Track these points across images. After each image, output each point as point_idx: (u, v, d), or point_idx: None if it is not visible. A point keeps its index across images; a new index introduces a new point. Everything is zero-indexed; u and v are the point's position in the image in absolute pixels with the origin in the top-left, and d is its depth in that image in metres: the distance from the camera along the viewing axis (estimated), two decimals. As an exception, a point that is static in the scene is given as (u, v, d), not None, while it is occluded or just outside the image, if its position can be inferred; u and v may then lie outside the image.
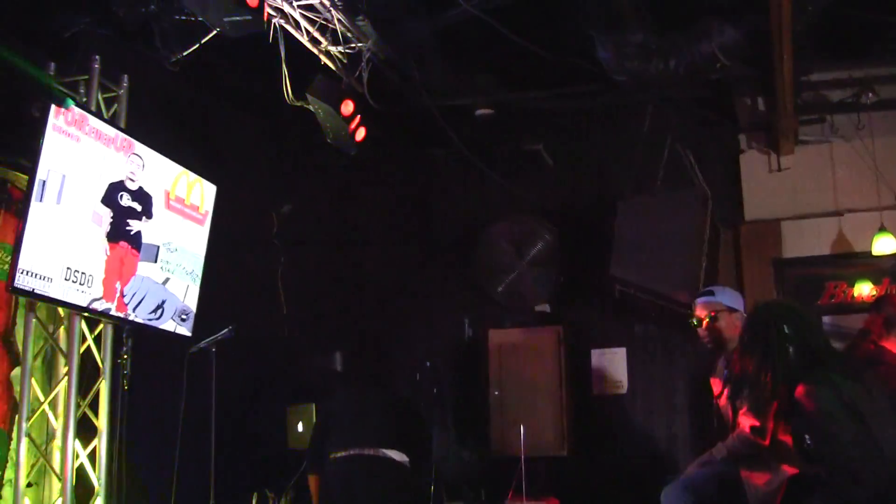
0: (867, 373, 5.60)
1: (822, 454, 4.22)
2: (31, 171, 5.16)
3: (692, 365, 7.86)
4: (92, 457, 5.90)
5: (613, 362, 8.14)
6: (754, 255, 7.97)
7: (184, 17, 6.23)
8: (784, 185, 7.99)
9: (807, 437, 4.29)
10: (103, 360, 6.02)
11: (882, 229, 7.42)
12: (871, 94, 7.49)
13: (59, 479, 5.55)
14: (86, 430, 5.86)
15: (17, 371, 5.68)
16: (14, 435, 5.60)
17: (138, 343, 6.02)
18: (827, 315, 7.69)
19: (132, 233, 5.95)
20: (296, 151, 8.57)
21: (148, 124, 6.39)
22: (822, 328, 4.92)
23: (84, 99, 5.84)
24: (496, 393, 8.09)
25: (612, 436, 7.96)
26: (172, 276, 6.32)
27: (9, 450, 5.57)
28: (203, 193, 6.67)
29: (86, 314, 5.73)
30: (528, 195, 8.17)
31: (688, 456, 7.56)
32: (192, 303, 6.53)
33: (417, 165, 8.62)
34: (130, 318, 5.95)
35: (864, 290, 7.69)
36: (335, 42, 6.51)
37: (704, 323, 5.63)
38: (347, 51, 6.60)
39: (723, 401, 5.75)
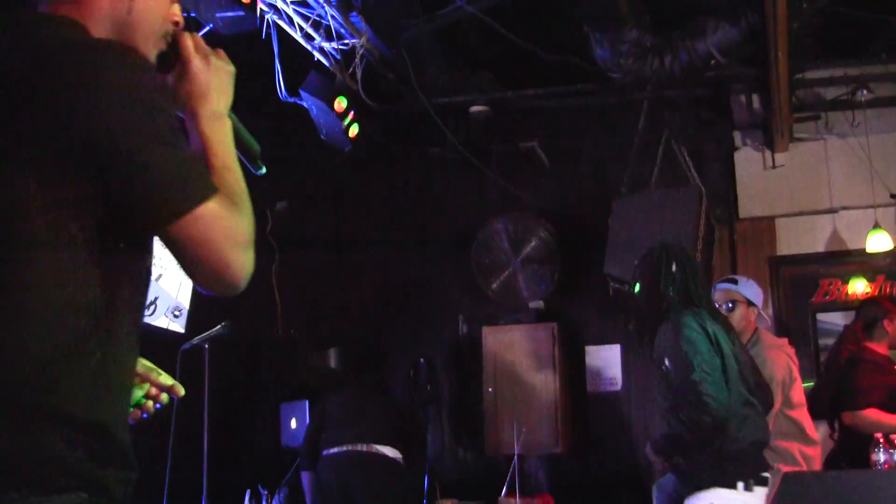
0: (852, 372, 5.64)
1: (678, 378, 4.32)
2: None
3: (687, 363, 7.86)
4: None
5: (608, 359, 8.14)
6: (749, 252, 7.97)
7: (177, 14, 6.22)
8: (779, 183, 7.99)
9: (666, 360, 4.39)
10: (96, 357, 6.01)
11: (876, 227, 7.42)
12: (865, 92, 7.49)
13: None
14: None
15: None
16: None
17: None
18: (821, 312, 7.70)
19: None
20: (290, 149, 8.55)
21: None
22: (706, 282, 5.04)
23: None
24: (490, 390, 8.08)
25: (607, 433, 7.96)
26: (165, 273, 6.32)
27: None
28: (197, 190, 6.65)
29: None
30: (524, 193, 8.16)
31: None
32: (185, 299, 6.53)
33: (413, 163, 8.61)
34: (123, 314, 5.93)
35: (859, 287, 7.69)
36: (329, 38, 6.50)
37: (723, 309, 5.66)
38: (341, 47, 6.59)
39: None
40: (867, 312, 6.31)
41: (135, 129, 1.76)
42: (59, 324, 1.73)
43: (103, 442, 1.76)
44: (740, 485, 4.22)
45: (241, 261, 1.94)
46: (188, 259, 1.89)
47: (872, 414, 5.84)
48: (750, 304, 5.69)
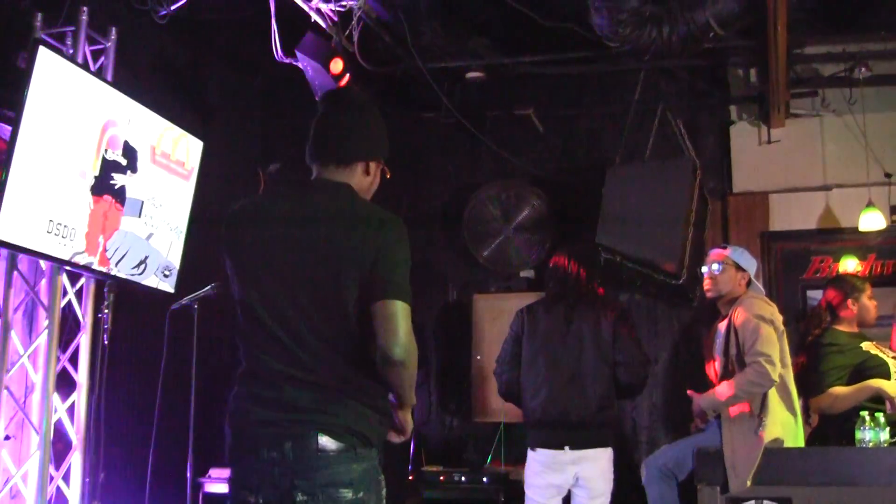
0: (813, 356, 5.69)
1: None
2: (15, 123, 5.10)
3: (676, 335, 7.88)
4: (70, 411, 5.89)
5: (597, 330, 8.13)
6: (742, 226, 7.97)
7: (174, -30, 6.17)
8: (774, 158, 7.98)
9: None
10: (84, 314, 5.99)
11: (870, 205, 7.43)
12: (864, 69, 7.47)
13: (37, 433, 5.53)
14: (65, 385, 5.84)
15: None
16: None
17: (120, 298, 5.99)
18: (812, 289, 7.70)
19: (116, 187, 5.90)
20: (285, 110, 8.51)
21: (135, 78, 6.33)
22: None
23: (71, 51, 5.78)
24: (479, 357, 8.09)
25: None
26: (156, 232, 6.29)
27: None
28: (189, 149, 6.62)
29: (68, 268, 5.69)
30: (518, 160, 8.14)
31: (668, 426, 7.59)
32: (175, 259, 6.49)
33: (407, 127, 8.56)
34: (112, 272, 5.91)
35: (850, 265, 7.70)
36: (326, -1, 6.46)
37: (709, 271, 5.74)
38: (338, 9, 6.54)
39: (709, 370, 5.79)
40: (831, 293, 6.31)
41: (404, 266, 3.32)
42: (368, 358, 3.18)
43: (386, 422, 3.32)
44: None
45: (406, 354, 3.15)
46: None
47: (831, 393, 5.86)
48: (739, 268, 5.73)
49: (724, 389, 5.36)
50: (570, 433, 5.68)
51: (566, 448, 5.67)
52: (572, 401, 5.71)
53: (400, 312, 3.13)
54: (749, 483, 5.14)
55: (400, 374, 3.15)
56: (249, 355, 3.33)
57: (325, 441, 3.09)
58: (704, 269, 5.89)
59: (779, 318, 5.54)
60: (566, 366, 5.78)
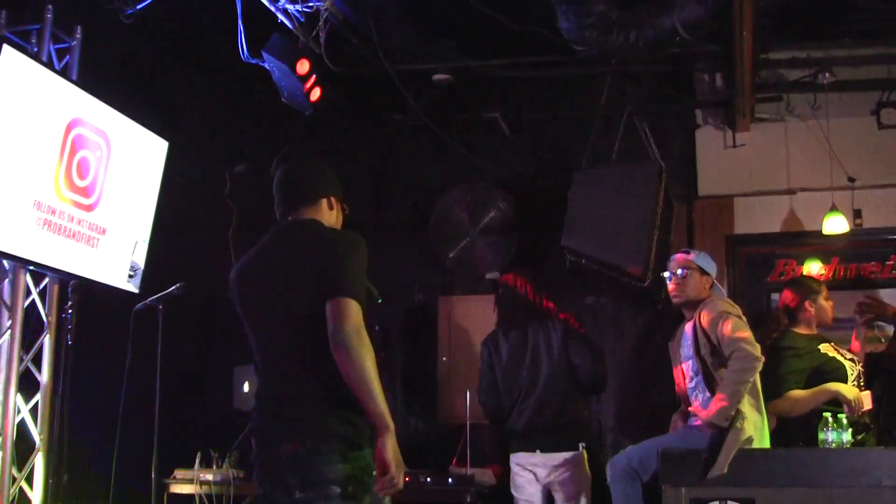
0: (772, 360, 5.71)
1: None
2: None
3: (641, 337, 7.91)
4: (34, 412, 5.84)
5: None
6: (707, 230, 8.02)
7: (140, -31, 6.14)
8: (739, 162, 8.03)
9: None
10: (48, 314, 5.96)
11: (833, 209, 7.48)
12: (828, 75, 7.52)
13: (0, 434, 5.49)
14: (28, 385, 5.80)
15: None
16: (-46, 387, 5.56)
17: (84, 298, 5.96)
18: (776, 292, 7.74)
19: (81, 185, 5.87)
20: (251, 111, 8.48)
21: (100, 77, 6.30)
22: None
23: (36, 49, 5.75)
24: (444, 359, 8.10)
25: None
26: (119, 232, 6.26)
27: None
28: (154, 150, 6.59)
29: (31, 267, 5.66)
30: (485, 163, 8.14)
31: (633, 427, 7.61)
32: (140, 259, 6.46)
33: (374, 130, 8.56)
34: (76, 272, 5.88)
35: (814, 268, 7.77)
36: (293, 0, 6.43)
37: (674, 277, 5.77)
38: (305, 10, 6.52)
39: (678, 374, 5.82)
40: (788, 295, 6.34)
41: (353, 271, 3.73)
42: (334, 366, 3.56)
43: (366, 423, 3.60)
44: None
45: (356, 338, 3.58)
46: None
47: (789, 397, 5.89)
48: (703, 272, 5.78)
49: (722, 393, 5.33)
50: (539, 439, 6.33)
51: (537, 451, 6.32)
52: (537, 410, 6.35)
53: (349, 306, 3.56)
54: (725, 470, 5.17)
55: (349, 358, 3.51)
56: (259, 382, 3.93)
57: (317, 445, 3.57)
58: (667, 273, 5.92)
59: (743, 318, 5.59)
60: (529, 381, 6.40)
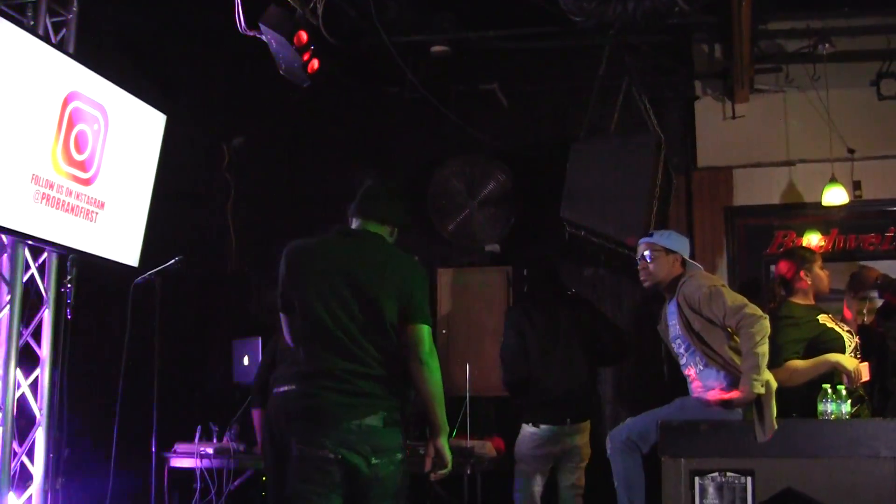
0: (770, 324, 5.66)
1: None
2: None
3: (640, 309, 7.92)
4: (34, 386, 5.85)
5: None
6: (706, 202, 8.01)
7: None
8: (738, 134, 8.02)
9: None
10: (47, 288, 5.96)
11: (832, 180, 7.48)
12: (827, 46, 7.50)
13: (0, 409, 5.49)
14: (28, 360, 5.81)
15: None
16: (-46, 362, 5.57)
17: (83, 272, 5.95)
18: (774, 263, 7.72)
19: (79, 160, 5.86)
20: (249, 84, 8.46)
21: (97, 51, 6.27)
22: None
23: (32, 22, 5.72)
24: (443, 332, 8.10)
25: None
26: (119, 205, 6.25)
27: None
28: (152, 123, 6.57)
29: (30, 242, 5.65)
30: (482, 135, 8.12)
31: (632, 399, 7.63)
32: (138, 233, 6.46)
33: (371, 102, 8.53)
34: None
35: (813, 240, 7.77)
36: (290, -29, 6.40)
37: (641, 262, 5.73)
38: (303, -19, 6.49)
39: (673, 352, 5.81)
40: (783, 266, 6.32)
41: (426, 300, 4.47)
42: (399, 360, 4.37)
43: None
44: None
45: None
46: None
47: (789, 367, 5.87)
48: (668, 251, 5.70)
49: (749, 366, 5.27)
50: (571, 409, 6.61)
51: (567, 421, 6.59)
52: (574, 383, 6.64)
53: (426, 332, 4.38)
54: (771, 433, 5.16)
55: (430, 376, 4.35)
56: (314, 355, 4.40)
57: (386, 418, 4.32)
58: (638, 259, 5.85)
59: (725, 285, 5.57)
60: (564, 355, 6.65)
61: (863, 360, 5.97)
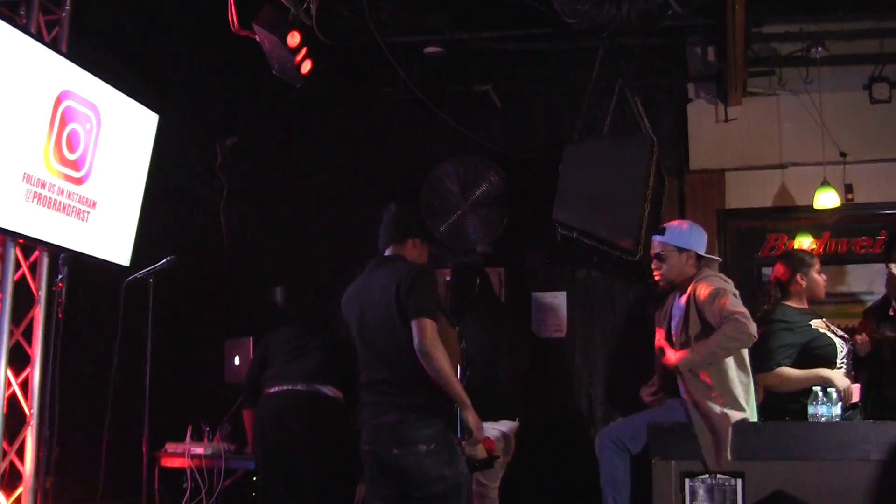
0: (762, 333, 5.66)
1: None
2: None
3: (632, 311, 7.92)
4: (24, 386, 5.84)
5: (554, 306, 8.17)
6: (698, 204, 8.02)
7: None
8: (730, 136, 8.03)
9: None
10: (38, 287, 5.94)
11: (825, 184, 7.50)
12: (820, 49, 7.52)
13: (-10, 408, 5.48)
14: (18, 359, 5.79)
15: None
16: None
17: (74, 271, 5.94)
18: (767, 266, 7.75)
19: (71, 159, 5.85)
20: (242, 84, 8.46)
21: (90, 50, 6.26)
22: None
23: (24, 21, 5.71)
24: (436, 332, 8.09)
25: (550, 378, 8.00)
26: (110, 205, 6.24)
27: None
28: (144, 122, 6.56)
29: (21, 241, 5.64)
30: (476, 136, 8.12)
31: (623, 401, 7.63)
32: (130, 232, 6.45)
33: (365, 103, 8.53)
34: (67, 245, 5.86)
35: (805, 243, 7.79)
36: (283, -28, 6.40)
37: (654, 261, 5.70)
38: (296, -19, 6.49)
39: (658, 337, 5.78)
40: (780, 269, 6.29)
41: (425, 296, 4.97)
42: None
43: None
44: None
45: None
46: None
47: (780, 373, 5.85)
48: (681, 250, 5.67)
49: (700, 348, 5.30)
50: (516, 407, 6.87)
51: (517, 418, 6.85)
52: (517, 383, 6.95)
53: (425, 324, 4.84)
54: (730, 458, 5.19)
55: (431, 363, 4.79)
56: (368, 371, 5.18)
57: (409, 415, 4.93)
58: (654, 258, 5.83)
59: (737, 294, 5.53)
60: (511, 355, 6.96)
61: (855, 365, 5.97)
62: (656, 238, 5.77)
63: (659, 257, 5.70)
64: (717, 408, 5.25)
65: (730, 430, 5.22)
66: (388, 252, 5.36)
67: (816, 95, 7.62)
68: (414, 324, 4.86)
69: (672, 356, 5.42)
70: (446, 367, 4.82)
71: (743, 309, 5.24)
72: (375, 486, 5.11)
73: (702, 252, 5.69)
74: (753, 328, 5.17)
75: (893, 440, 5.12)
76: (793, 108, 7.87)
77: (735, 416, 5.26)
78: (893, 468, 5.04)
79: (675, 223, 5.89)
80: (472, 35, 7.90)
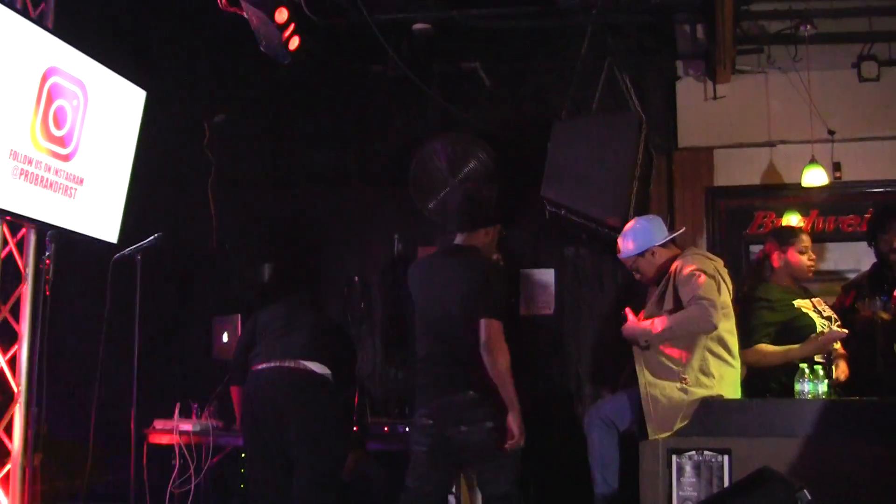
0: (744, 310, 5.68)
1: None
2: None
3: (620, 290, 7.93)
4: (12, 363, 5.84)
5: (542, 283, 8.18)
6: (687, 182, 8.03)
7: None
8: (719, 114, 8.03)
9: None
10: (25, 265, 5.93)
11: (813, 161, 7.51)
12: (808, 27, 7.51)
13: (-22, 385, 5.49)
14: (6, 336, 5.79)
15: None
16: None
17: (62, 249, 5.93)
18: (755, 244, 7.77)
19: (58, 135, 5.83)
20: (230, 61, 8.42)
21: (77, 26, 6.24)
22: None
23: (10, -4, 5.68)
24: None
25: (539, 356, 8.01)
26: (97, 181, 6.22)
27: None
28: (132, 99, 6.54)
29: (8, 218, 5.63)
30: (465, 114, 8.11)
31: (611, 379, 7.64)
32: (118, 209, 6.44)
33: (353, 80, 8.50)
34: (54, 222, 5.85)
35: (793, 221, 7.79)
36: (271, -53, 6.37)
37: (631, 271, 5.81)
38: (284, -42, 6.45)
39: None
40: (767, 245, 6.26)
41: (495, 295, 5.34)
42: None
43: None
44: None
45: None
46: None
47: (759, 350, 5.85)
48: (642, 253, 5.73)
49: (659, 323, 5.35)
50: None
51: None
52: None
53: (493, 324, 5.17)
54: (663, 435, 5.23)
55: (493, 362, 5.12)
56: (427, 349, 5.51)
57: (474, 394, 5.21)
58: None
59: (724, 272, 5.53)
60: None
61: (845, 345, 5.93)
62: (619, 256, 5.85)
63: (631, 269, 5.80)
64: (675, 384, 5.29)
65: (681, 412, 5.25)
66: (459, 240, 5.60)
67: (805, 73, 7.62)
68: (483, 322, 5.17)
69: (632, 322, 5.47)
70: (506, 368, 5.12)
71: (714, 297, 5.24)
72: (433, 460, 5.31)
73: (660, 238, 5.72)
74: (717, 318, 5.18)
75: (880, 417, 5.15)
76: (781, 86, 7.87)
77: (696, 394, 5.27)
78: (879, 445, 5.07)
79: (621, 236, 5.92)
80: (460, 12, 7.87)
